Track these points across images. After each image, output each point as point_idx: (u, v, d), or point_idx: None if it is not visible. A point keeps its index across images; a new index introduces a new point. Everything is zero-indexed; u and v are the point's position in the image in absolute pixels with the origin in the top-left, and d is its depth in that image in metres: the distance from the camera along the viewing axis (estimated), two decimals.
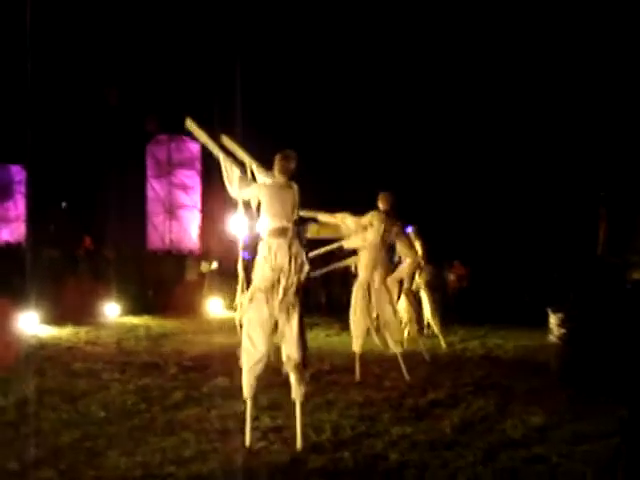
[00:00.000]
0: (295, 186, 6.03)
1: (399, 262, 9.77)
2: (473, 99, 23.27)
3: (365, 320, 8.93)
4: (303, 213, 6.92)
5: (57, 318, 13.46)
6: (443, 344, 12.05)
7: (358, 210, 8.95)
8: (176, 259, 20.37)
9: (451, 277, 14.04)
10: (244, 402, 5.94)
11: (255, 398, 6.00)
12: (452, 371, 9.53)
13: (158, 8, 21.37)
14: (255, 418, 6.39)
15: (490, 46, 22.43)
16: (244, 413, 5.91)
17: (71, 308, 13.78)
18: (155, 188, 23.34)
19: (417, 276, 11.92)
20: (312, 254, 8.75)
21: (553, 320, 3.58)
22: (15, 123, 18.48)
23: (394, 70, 23.55)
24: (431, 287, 12.33)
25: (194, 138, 6.73)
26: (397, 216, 9.04)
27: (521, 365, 10.16)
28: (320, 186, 21.09)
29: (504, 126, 22.96)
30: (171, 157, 23.17)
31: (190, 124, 6.40)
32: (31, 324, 12.52)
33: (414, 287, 11.97)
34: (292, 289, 5.82)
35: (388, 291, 9.12)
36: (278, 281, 5.80)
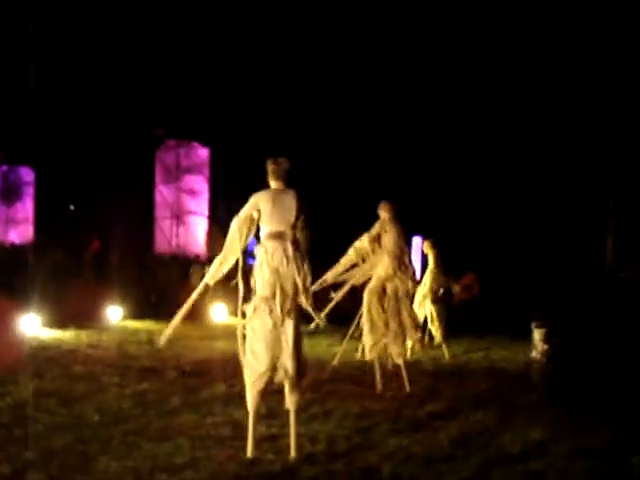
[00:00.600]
0: (292, 191, 5.97)
1: None
2: (482, 113, 23.18)
3: (381, 328, 8.83)
4: (316, 287, 7.52)
5: (59, 320, 13.43)
6: (447, 355, 11.96)
7: (365, 221, 9.00)
8: (181, 264, 20.33)
9: (456, 288, 13.92)
10: (247, 413, 5.85)
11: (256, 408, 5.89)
12: (453, 383, 9.44)
13: (166, 12, 21.41)
14: None
15: (498, 58, 22.36)
16: (247, 423, 5.81)
17: (74, 311, 13.75)
18: (163, 193, 23.33)
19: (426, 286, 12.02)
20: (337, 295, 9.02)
21: (536, 335, 3.51)
22: (24, 125, 18.50)
23: (403, 81, 23.51)
24: (437, 298, 12.28)
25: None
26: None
27: (524, 379, 10.04)
28: (325, 196, 21.11)
29: (511, 136, 22.86)
30: (179, 163, 23.17)
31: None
32: (33, 326, 12.49)
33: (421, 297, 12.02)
34: (290, 295, 5.76)
35: (401, 300, 9.13)
36: (278, 287, 5.72)
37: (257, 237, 6.09)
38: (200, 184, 23.35)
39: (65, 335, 12.65)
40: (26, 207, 24.07)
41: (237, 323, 5.97)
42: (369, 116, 23.38)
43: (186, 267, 19.65)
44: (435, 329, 12.15)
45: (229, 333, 6.32)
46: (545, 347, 3.38)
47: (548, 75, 22.05)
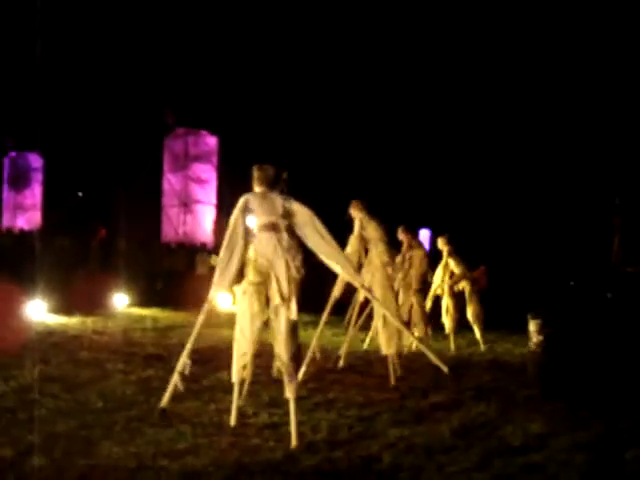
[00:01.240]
0: (277, 194, 6.28)
1: None
2: (490, 110, 23.13)
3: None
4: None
5: (65, 307, 13.49)
6: (452, 347, 11.99)
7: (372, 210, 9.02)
8: (188, 252, 20.37)
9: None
10: (232, 385, 6.21)
11: (241, 385, 6.25)
12: (457, 375, 9.44)
13: (177, 1, 21.41)
14: (253, 414, 6.41)
15: (505, 53, 22.28)
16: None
17: (80, 297, 13.80)
18: (171, 181, 23.36)
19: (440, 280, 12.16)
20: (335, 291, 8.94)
21: (532, 327, 3.50)
22: (33, 111, 18.54)
23: (412, 71, 23.45)
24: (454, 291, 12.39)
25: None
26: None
27: (526, 371, 10.04)
28: (330, 184, 21.10)
29: (518, 132, 22.82)
30: (188, 151, 23.18)
31: None
32: (39, 312, 12.57)
33: (438, 289, 12.18)
34: (283, 285, 5.94)
35: (406, 293, 9.38)
36: (269, 276, 5.98)
37: None
38: (208, 173, 23.36)
39: (71, 321, 12.72)
40: (34, 193, 24.17)
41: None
42: (376, 107, 23.35)
43: (192, 255, 19.70)
44: (449, 320, 12.21)
45: (233, 321, 6.35)
46: (540, 338, 3.37)
47: (556, 71, 21.99)
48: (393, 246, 9.64)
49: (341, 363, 9.41)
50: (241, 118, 21.98)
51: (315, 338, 8.88)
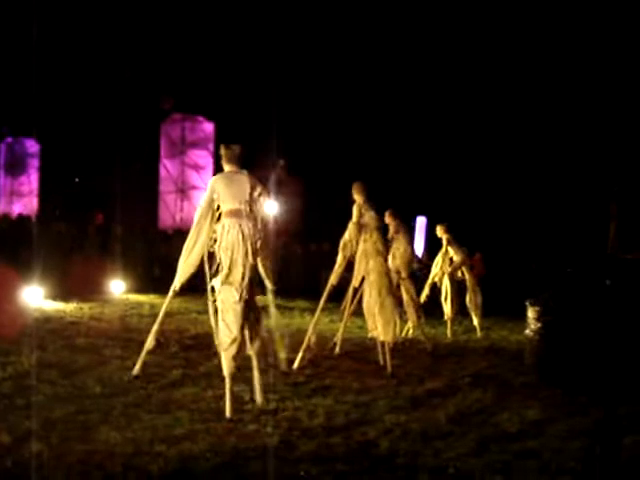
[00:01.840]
0: (245, 172, 6.46)
1: None
2: (488, 99, 23.10)
3: (396, 304, 8.84)
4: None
5: (62, 293, 13.48)
6: (449, 334, 12.04)
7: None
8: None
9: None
10: (223, 379, 6.24)
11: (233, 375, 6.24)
12: (453, 362, 9.50)
13: None
14: (250, 400, 6.44)
15: (501, 41, 22.23)
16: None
17: (77, 283, 13.78)
18: (168, 167, 23.35)
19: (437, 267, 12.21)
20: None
21: (530, 313, 3.52)
22: (29, 97, 18.46)
23: (404, 66, 23.39)
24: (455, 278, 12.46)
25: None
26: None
27: (522, 358, 10.08)
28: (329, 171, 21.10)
29: (516, 120, 22.80)
30: (185, 137, 23.16)
31: None
32: (36, 297, 12.55)
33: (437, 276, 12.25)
34: (248, 270, 6.24)
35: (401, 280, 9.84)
36: (238, 263, 6.22)
37: None
38: (205, 159, 23.35)
39: (68, 307, 12.71)
40: (31, 179, 24.10)
41: (209, 299, 6.55)
42: (373, 95, 23.31)
43: None
44: (448, 306, 12.26)
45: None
46: (538, 325, 3.38)
47: (555, 62, 21.96)
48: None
49: (337, 350, 9.43)
50: (238, 104, 21.93)
51: (312, 325, 8.87)
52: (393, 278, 10.19)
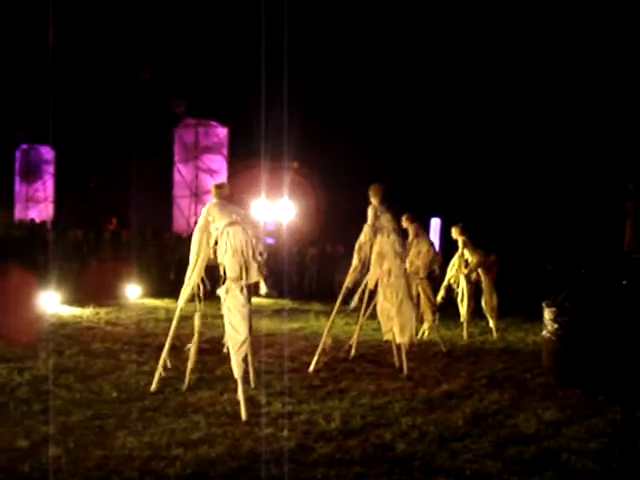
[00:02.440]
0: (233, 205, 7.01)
1: None
2: (503, 97, 23.02)
3: (414, 306, 8.85)
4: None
5: (79, 298, 13.54)
6: (465, 335, 11.99)
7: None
8: None
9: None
10: (235, 381, 6.36)
11: (244, 378, 6.44)
12: (469, 363, 9.45)
13: None
14: (267, 403, 6.44)
15: (516, 41, 22.15)
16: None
17: (93, 288, 13.84)
18: (182, 172, 23.42)
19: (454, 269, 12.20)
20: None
21: (547, 314, 3.49)
22: (44, 103, 18.56)
23: (418, 67, 23.36)
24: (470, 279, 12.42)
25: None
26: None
27: (539, 359, 10.01)
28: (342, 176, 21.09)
29: (531, 118, 22.70)
30: (198, 141, 23.23)
31: None
32: (52, 303, 12.62)
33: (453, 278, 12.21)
34: (253, 271, 6.49)
35: (415, 281, 9.83)
36: (243, 267, 6.47)
37: None
38: (219, 163, 23.40)
39: (84, 312, 12.76)
40: (46, 185, 24.24)
41: (196, 310, 7.38)
42: (386, 97, 23.29)
43: None
44: (464, 308, 12.22)
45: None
46: (555, 326, 3.35)
47: (570, 61, 21.84)
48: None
49: (353, 352, 9.41)
50: (251, 110, 21.96)
51: (327, 328, 8.85)
52: (411, 280, 10.17)
